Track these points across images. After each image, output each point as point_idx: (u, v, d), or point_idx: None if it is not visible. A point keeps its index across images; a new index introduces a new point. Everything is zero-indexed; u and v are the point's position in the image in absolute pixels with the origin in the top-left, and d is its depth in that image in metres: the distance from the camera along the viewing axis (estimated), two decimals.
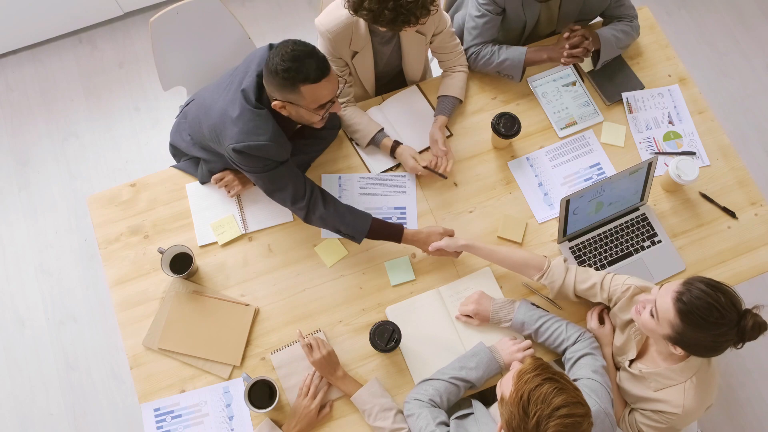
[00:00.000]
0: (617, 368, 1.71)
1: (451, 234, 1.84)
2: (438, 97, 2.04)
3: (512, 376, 1.30)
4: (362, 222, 1.79)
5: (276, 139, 1.66)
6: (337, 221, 1.78)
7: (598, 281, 1.67)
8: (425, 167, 1.94)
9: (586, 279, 1.69)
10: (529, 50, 2.01)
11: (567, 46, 1.94)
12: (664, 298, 1.42)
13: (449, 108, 2.02)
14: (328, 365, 1.70)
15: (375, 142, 1.99)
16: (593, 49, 1.99)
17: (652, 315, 1.45)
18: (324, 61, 1.54)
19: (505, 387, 1.30)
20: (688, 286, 1.39)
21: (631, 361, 1.65)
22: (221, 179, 1.93)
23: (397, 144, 1.98)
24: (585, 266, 1.88)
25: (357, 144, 2.03)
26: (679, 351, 1.45)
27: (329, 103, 1.63)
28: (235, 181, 1.93)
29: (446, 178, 1.96)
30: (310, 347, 1.70)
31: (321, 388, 1.73)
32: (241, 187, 1.94)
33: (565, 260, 1.72)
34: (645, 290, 1.61)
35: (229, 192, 1.94)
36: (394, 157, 1.99)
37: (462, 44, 2.09)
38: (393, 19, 1.64)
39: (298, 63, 1.51)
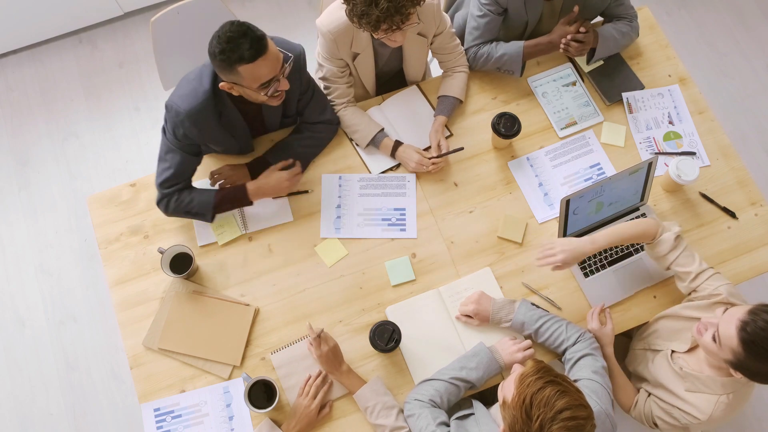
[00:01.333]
0: (654, 350, 1.71)
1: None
2: (438, 98, 2.04)
3: (514, 379, 1.29)
4: (206, 198, 1.83)
5: (193, 117, 1.68)
6: (183, 211, 1.84)
7: (695, 273, 1.65)
8: (433, 158, 1.94)
9: (685, 264, 1.67)
10: (527, 44, 2.02)
11: (569, 37, 1.95)
12: (728, 325, 1.40)
13: (449, 108, 2.02)
14: (334, 359, 1.69)
15: (375, 143, 1.99)
16: (591, 47, 2.00)
17: (714, 339, 1.44)
18: (259, 41, 1.54)
19: (507, 390, 1.29)
20: (753, 316, 1.38)
21: (673, 352, 1.65)
22: (220, 172, 1.94)
23: (398, 144, 1.97)
24: (585, 266, 1.88)
25: (357, 144, 2.03)
26: (739, 376, 1.44)
27: (273, 81, 1.63)
28: (233, 177, 1.93)
29: (462, 148, 1.97)
30: (318, 341, 1.68)
31: (321, 389, 1.73)
32: (238, 182, 1.94)
33: (677, 236, 1.69)
34: (732, 303, 1.59)
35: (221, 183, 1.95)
36: (395, 158, 1.99)
37: (462, 44, 2.09)
38: (376, 20, 1.63)
39: (232, 44, 1.52)
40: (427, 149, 2.02)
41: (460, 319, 1.81)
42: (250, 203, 1.88)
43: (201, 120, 1.70)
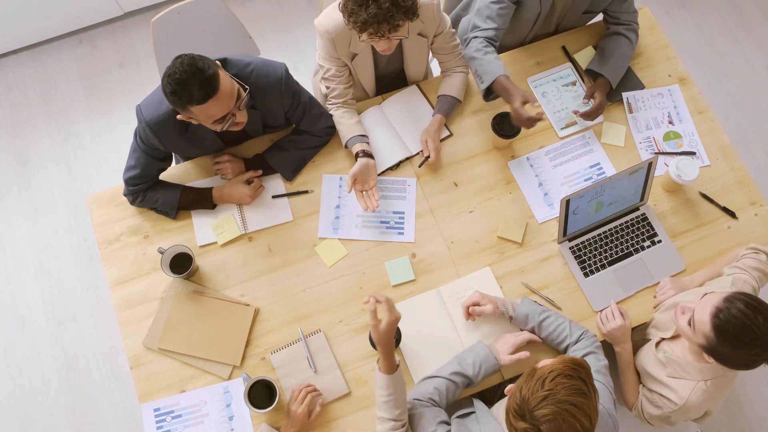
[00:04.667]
0: (648, 340, 1.74)
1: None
2: (437, 97, 2.04)
3: (557, 357, 1.30)
4: (172, 198, 1.90)
5: (153, 128, 1.71)
6: (149, 207, 1.93)
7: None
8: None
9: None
10: (501, 78, 1.86)
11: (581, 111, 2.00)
12: (703, 311, 1.43)
13: (447, 107, 2.01)
14: (392, 331, 1.55)
15: (349, 146, 1.95)
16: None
17: (689, 323, 1.47)
18: (210, 82, 1.51)
19: (545, 362, 1.30)
20: (728, 304, 1.40)
21: (660, 342, 1.68)
22: (219, 161, 1.96)
23: (362, 155, 1.90)
24: (585, 265, 1.88)
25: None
26: (711, 360, 1.47)
27: (229, 116, 1.62)
28: (228, 169, 1.94)
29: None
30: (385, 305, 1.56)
31: (309, 393, 1.71)
32: (231, 175, 1.95)
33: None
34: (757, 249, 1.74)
35: (221, 177, 1.98)
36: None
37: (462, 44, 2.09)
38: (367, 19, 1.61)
39: (182, 86, 1.50)
40: (418, 154, 2.02)
41: (473, 313, 1.75)
42: (213, 207, 1.94)
43: (162, 131, 1.72)
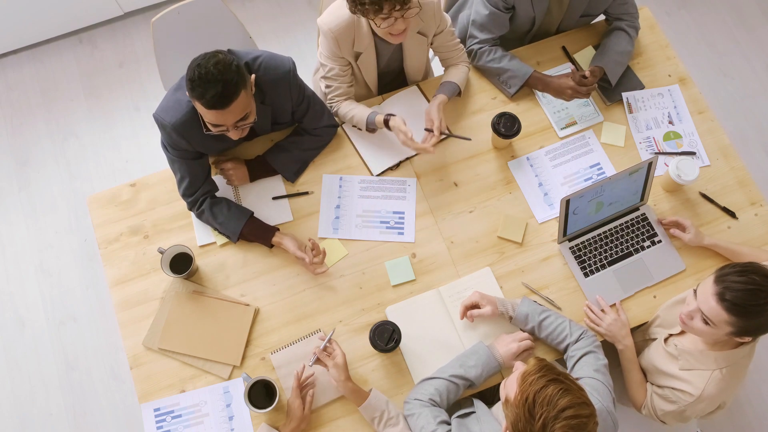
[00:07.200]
0: (652, 339, 1.74)
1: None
2: (441, 84, 2.02)
3: (516, 377, 1.29)
4: (234, 226, 1.87)
5: (179, 129, 1.68)
6: (215, 224, 1.89)
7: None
8: (428, 139, 1.91)
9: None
10: (536, 73, 2.04)
11: (572, 83, 1.97)
12: (708, 303, 1.43)
13: (450, 91, 1.99)
14: (344, 368, 1.65)
15: (370, 124, 1.95)
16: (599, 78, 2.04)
17: (706, 323, 1.46)
18: (225, 97, 1.49)
19: (509, 388, 1.29)
20: (723, 283, 1.40)
21: (668, 338, 1.67)
22: (222, 168, 1.95)
23: (389, 116, 1.90)
24: (585, 265, 1.88)
25: (360, 129, 2.01)
26: (747, 339, 1.46)
27: (221, 128, 1.60)
28: (233, 176, 1.94)
29: (470, 139, 1.97)
30: (328, 352, 1.68)
31: (309, 388, 1.72)
32: (237, 181, 1.95)
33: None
34: None
35: (226, 182, 1.97)
36: (390, 129, 1.92)
37: (465, 43, 2.09)
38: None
39: (199, 82, 1.48)
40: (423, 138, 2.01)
41: (471, 315, 1.75)
42: (270, 247, 1.90)
43: (187, 130, 1.71)
